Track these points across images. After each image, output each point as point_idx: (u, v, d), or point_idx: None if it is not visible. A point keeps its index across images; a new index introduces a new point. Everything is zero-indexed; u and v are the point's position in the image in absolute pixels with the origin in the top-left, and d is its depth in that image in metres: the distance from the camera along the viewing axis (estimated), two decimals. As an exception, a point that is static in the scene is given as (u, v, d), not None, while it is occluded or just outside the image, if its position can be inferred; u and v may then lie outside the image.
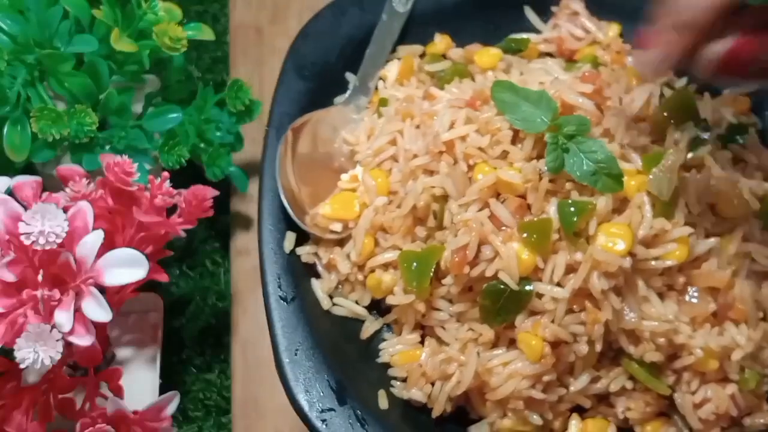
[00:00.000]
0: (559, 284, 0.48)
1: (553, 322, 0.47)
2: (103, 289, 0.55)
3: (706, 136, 0.50)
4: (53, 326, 0.52)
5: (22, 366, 0.52)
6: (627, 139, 0.49)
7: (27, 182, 0.58)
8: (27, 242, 0.52)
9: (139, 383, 0.68)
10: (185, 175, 0.74)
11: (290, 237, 0.53)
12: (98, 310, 0.53)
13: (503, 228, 0.48)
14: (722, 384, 0.49)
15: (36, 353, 0.51)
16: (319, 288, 0.53)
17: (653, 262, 0.48)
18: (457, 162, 0.50)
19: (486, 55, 0.56)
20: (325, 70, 0.58)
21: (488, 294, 0.48)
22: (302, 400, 0.48)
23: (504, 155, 0.50)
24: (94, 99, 0.68)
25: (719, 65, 0.47)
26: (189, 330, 0.74)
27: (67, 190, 0.58)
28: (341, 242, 0.53)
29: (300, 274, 0.52)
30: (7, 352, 0.54)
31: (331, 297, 0.53)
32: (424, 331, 0.51)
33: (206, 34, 0.73)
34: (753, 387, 0.48)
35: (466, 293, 0.49)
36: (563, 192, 0.48)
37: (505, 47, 0.57)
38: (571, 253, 0.47)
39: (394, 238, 0.51)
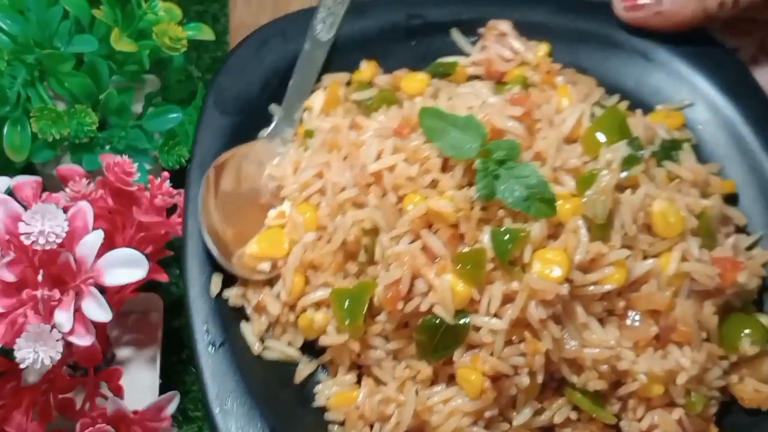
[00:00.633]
0: (496, 315, 0.45)
1: (492, 355, 0.46)
2: (103, 289, 0.55)
3: (639, 154, 0.48)
4: (53, 326, 0.52)
5: (22, 366, 0.52)
6: (559, 161, 0.47)
7: (27, 182, 0.58)
8: (27, 242, 0.52)
9: (139, 383, 0.68)
10: (185, 175, 0.74)
11: (216, 279, 0.50)
12: (98, 310, 0.53)
13: (436, 260, 0.46)
14: (669, 409, 0.47)
15: (36, 353, 0.51)
16: (249, 331, 0.50)
17: (591, 288, 0.46)
18: (387, 193, 0.48)
19: (413, 81, 0.54)
20: (248, 104, 0.55)
21: (424, 329, 0.46)
22: None
23: (434, 184, 0.48)
24: (94, 99, 0.68)
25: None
26: (189, 330, 0.74)
27: (67, 190, 0.58)
28: (270, 282, 0.50)
29: (228, 317, 0.50)
30: (8, 352, 0.54)
31: (262, 340, 0.51)
32: (361, 370, 0.49)
33: (206, 34, 0.73)
34: (700, 410, 0.47)
35: (402, 329, 0.47)
36: (496, 220, 0.46)
37: (433, 71, 0.55)
38: (507, 283, 0.45)
39: (324, 275, 0.49)
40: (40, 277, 0.53)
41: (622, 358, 0.46)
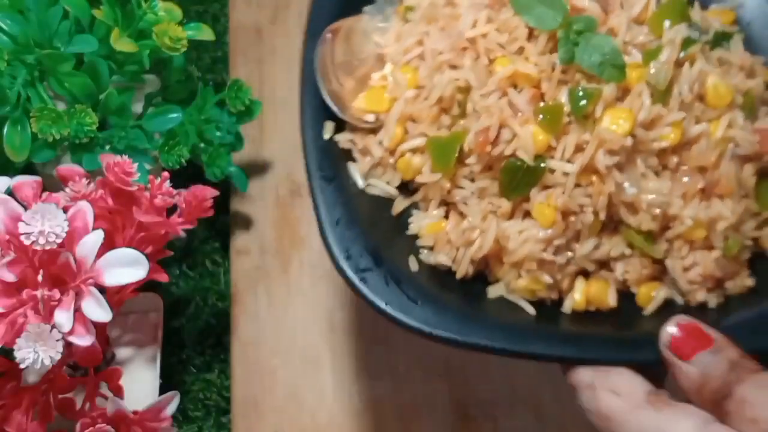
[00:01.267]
0: (569, 161, 0.53)
1: (563, 193, 0.53)
2: (103, 289, 0.55)
3: (696, 36, 0.56)
4: (53, 326, 0.52)
5: (22, 366, 0.52)
6: (629, 36, 0.55)
7: (27, 182, 0.58)
8: (27, 242, 0.52)
9: (139, 383, 0.68)
10: (185, 175, 0.74)
11: (329, 126, 0.58)
12: (98, 310, 0.53)
13: (520, 114, 0.54)
14: (708, 251, 0.55)
15: (36, 353, 0.51)
16: (355, 170, 0.58)
17: (652, 143, 0.54)
18: (479, 57, 0.55)
19: None
20: None
21: (507, 170, 0.54)
22: (343, 262, 0.54)
23: (521, 50, 0.55)
24: (94, 99, 0.68)
25: None
26: (189, 330, 0.74)
27: (67, 190, 0.58)
28: (374, 131, 0.58)
29: (338, 158, 0.58)
30: (7, 352, 0.54)
31: (365, 178, 0.59)
32: (448, 207, 0.57)
33: (206, 34, 0.73)
34: (735, 253, 0.55)
35: (487, 171, 0.55)
36: (574, 81, 0.54)
37: None
38: (580, 134, 0.53)
39: (421, 126, 0.56)
40: (40, 277, 0.53)
41: (672, 205, 0.54)
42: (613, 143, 0.53)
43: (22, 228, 0.52)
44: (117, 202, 0.59)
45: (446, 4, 0.59)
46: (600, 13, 0.55)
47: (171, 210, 0.61)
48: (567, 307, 0.56)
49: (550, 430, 0.70)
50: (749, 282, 0.56)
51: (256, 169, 0.76)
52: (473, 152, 0.54)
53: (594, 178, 0.54)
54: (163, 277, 0.60)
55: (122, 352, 0.69)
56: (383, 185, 0.59)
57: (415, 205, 0.59)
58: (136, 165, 0.59)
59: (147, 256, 0.56)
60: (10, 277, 0.53)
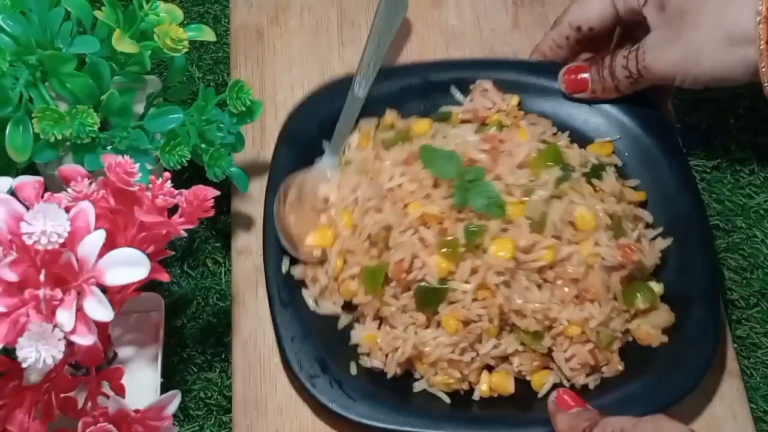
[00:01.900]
0: (466, 282, 0.67)
1: (464, 307, 0.67)
2: (104, 289, 0.55)
3: (569, 175, 0.70)
4: (55, 326, 0.52)
5: (24, 365, 0.52)
6: (512, 179, 0.69)
7: (29, 182, 0.58)
8: (29, 242, 0.52)
9: (141, 382, 0.68)
10: (186, 176, 0.75)
11: (286, 261, 0.72)
12: (100, 310, 0.54)
13: (428, 245, 0.68)
14: (584, 344, 0.68)
15: (38, 352, 0.52)
16: (308, 295, 0.72)
17: (531, 263, 0.68)
18: (397, 202, 0.70)
19: (420, 125, 0.76)
20: (308, 141, 0.77)
21: (419, 291, 0.68)
22: (297, 371, 0.68)
23: (428, 196, 0.70)
24: (95, 100, 0.68)
25: (566, 85, 0.78)
26: (190, 329, 0.74)
27: (69, 190, 0.58)
28: (321, 263, 0.72)
29: (294, 286, 0.72)
30: (9, 352, 0.54)
31: (316, 301, 0.72)
32: (380, 320, 0.71)
33: (207, 35, 0.73)
34: (606, 345, 0.69)
35: (406, 292, 0.69)
36: (468, 219, 0.68)
37: (436, 117, 0.78)
38: (474, 260, 0.67)
39: (357, 257, 0.70)
40: (42, 277, 0.54)
41: (552, 310, 0.67)
42: (500, 266, 0.67)
43: (24, 228, 0.52)
44: (118, 202, 0.59)
45: (375, 158, 0.74)
46: (489, 163, 0.70)
47: (172, 210, 0.61)
48: (476, 395, 0.69)
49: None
50: (620, 367, 0.69)
51: (257, 169, 0.77)
52: (394, 278, 0.68)
53: (487, 293, 0.67)
54: (164, 277, 0.60)
55: (124, 352, 0.70)
56: (330, 306, 0.72)
57: (356, 320, 0.71)
58: (137, 165, 0.59)
59: (148, 255, 0.56)
60: (12, 276, 0.53)
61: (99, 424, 0.57)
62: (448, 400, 0.69)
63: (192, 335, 0.74)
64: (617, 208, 0.70)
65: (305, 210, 0.73)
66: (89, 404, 0.60)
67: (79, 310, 0.53)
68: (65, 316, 0.53)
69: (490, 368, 0.69)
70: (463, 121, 0.78)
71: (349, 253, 0.71)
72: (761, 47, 0.68)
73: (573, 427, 0.62)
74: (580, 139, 0.76)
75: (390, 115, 0.78)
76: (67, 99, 0.69)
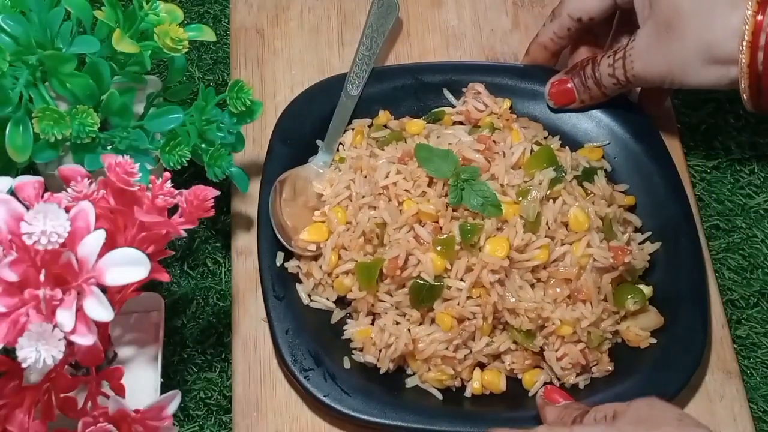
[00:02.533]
0: (461, 279, 0.68)
1: (458, 305, 0.68)
2: (104, 289, 0.55)
3: (562, 176, 0.71)
4: (55, 326, 0.52)
5: (24, 365, 0.52)
6: (506, 180, 0.71)
7: (29, 182, 0.58)
8: (29, 242, 0.52)
9: (141, 382, 0.68)
10: (186, 176, 0.75)
11: (280, 255, 0.73)
12: (100, 310, 0.54)
13: (423, 243, 0.69)
14: (576, 343, 0.69)
15: (38, 352, 0.52)
16: (302, 289, 0.73)
17: (524, 262, 0.69)
18: (391, 200, 0.71)
19: (414, 125, 0.77)
20: (301, 139, 0.77)
21: (414, 288, 0.69)
22: (290, 363, 0.69)
23: (423, 194, 0.70)
24: (95, 100, 0.68)
25: (554, 100, 0.80)
26: (190, 329, 0.74)
27: (69, 190, 0.58)
28: (316, 257, 0.73)
29: (288, 280, 0.72)
30: (9, 352, 0.54)
31: (309, 296, 0.73)
32: (374, 316, 0.71)
33: (207, 35, 0.73)
34: (596, 345, 0.70)
35: (400, 288, 0.70)
36: (463, 217, 0.69)
37: (428, 118, 0.79)
38: (469, 258, 0.68)
39: (351, 253, 0.71)
40: (42, 277, 0.54)
41: (545, 309, 0.68)
42: (494, 264, 0.68)
43: (24, 228, 0.52)
44: (118, 202, 0.59)
45: (370, 155, 0.74)
46: (484, 163, 0.71)
47: (172, 210, 0.61)
48: (468, 392, 0.70)
49: None
50: (610, 367, 0.71)
51: (257, 169, 0.77)
52: (388, 275, 0.69)
53: (481, 291, 0.68)
54: (164, 277, 0.60)
55: (124, 352, 0.70)
56: (324, 301, 0.72)
57: (349, 315, 0.72)
58: (137, 165, 0.59)
59: (148, 255, 0.56)
60: (12, 276, 0.53)
61: (99, 424, 0.57)
62: (440, 396, 0.69)
63: (192, 335, 0.74)
64: (608, 211, 0.72)
65: (299, 206, 0.74)
66: (89, 404, 0.60)
67: (79, 310, 0.54)
68: (65, 316, 0.53)
69: (482, 366, 0.70)
70: (456, 123, 0.79)
71: (344, 248, 0.71)
72: (743, 70, 0.70)
73: (563, 417, 0.62)
74: (570, 143, 0.77)
75: (383, 115, 0.79)
76: (67, 99, 0.69)
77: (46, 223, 0.52)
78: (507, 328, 0.69)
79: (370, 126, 0.79)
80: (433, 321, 0.69)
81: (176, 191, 0.60)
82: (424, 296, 0.68)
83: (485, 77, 0.81)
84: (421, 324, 0.69)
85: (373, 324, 0.71)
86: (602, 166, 0.77)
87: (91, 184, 0.59)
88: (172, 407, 0.61)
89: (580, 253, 0.69)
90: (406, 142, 0.75)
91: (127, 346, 0.70)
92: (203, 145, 0.71)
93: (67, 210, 0.55)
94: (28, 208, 0.54)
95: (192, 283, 0.76)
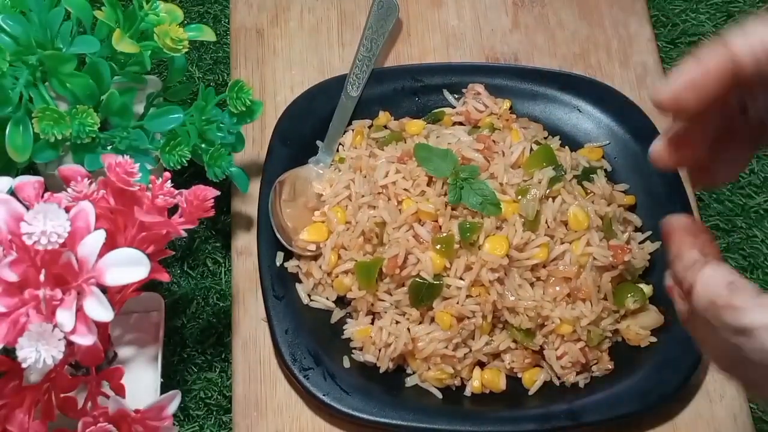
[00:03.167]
0: (461, 278, 0.68)
1: (458, 303, 0.68)
2: (104, 289, 0.55)
3: (561, 175, 0.71)
4: (55, 326, 0.52)
5: (24, 365, 0.52)
6: (506, 179, 0.71)
7: (29, 182, 0.58)
8: (29, 242, 0.52)
9: (141, 382, 0.68)
10: (186, 176, 0.75)
11: (280, 255, 0.73)
12: (100, 310, 0.54)
13: (422, 242, 0.69)
14: (575, 342, 0.69)
15: (38, 352, 0.52)
16: (301, 289, 0.73)
17: (525, 261, 0.69)
18: (391, 199, 0.71)
19: (413, 125, 0.78)
20: (301, 140, 0.78)
21: (413, 287, 0.69)
22: (290, 363, 0.69)
23: (422, 193, 0.70)
24: (95, 100, 0.68)
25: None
26: (190, 329, 0.74)
27: (69, 190, 0.58)
28: (315, 257, 0.73)
29: (287, 280, 0.73)
30: (9, 352, 0.54)
31: (309, 296, 0.73)
32: (373, 315, 0.71)
33: (207, 35, 0.73)
34: (596, 344, 0.70)
35: (400, 287, 0.70)
36: (462, 216, 0.69)
37: (428, 119, 0.80)
38: (468, 257, 0.68)
39: (351, 253, 0.71)
40: (42, 277, 0.54)
41: (544, 308, 0.68)
42: (494, 263, 0.68)
43: (24, 228, 0.52)
44: (119, 202, 0.59)
45: (369, 155, 0.75)
46: (484, 162, 0.71)
47: (172, 210, 0.61)
48: (468, 391, 0.70)
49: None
50: (610, 366, 0.71)
51: (257, 169, 0.77)
52: (388, 274, 0.69)
53: (481, 289, 0.68)
54: (164, 277, 0.60)
55: (124, 352, 0.70)
56: (323, 300, 0.73)
57: (348, 315, 0.72)
58: (137, 165, 0.59)
59: (148, 255, 0.56)
60: (12, 276, 0.53)
61: (99, 424, 0.57)
62: (440, 395, 0.70)
63: (192, 335, 0.74)
64: (608, 210, 0.72)
65: (299, 206, 0.74)
66: (89, 404, 0.60)
67: (79, 310, 0.54)
68: (65, 316, 0.53)
69: (482, 365, 0.71)
70: (456, 123, 0.79)
71: (344, 248, 0.71)
72: None
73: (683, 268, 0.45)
74: (570, 143, 0.78)
75: (383, 116, 0.80)
76: (67, 99, 0.69)
77: (46, 223, 0.52)
78: (507, 327, 0.70)
79: (370, 127, 0.79)
80: (432, 320, 0.69)
81: (176, 191, 0.60)
82: (424, 295, 0.68)
83: (485, 78, 0.81)
84: (420, 323, 0.69)
85: (372, 323, 0.71)
86: (602, 165, 0.77)
87: (91, 184, 0.59)
88: (172, 407, 0.61)
89: (579, 252, 0.69)
90: (405, 143, 0.75)
91: (127, 346, 0.70)
92: (203, 145, 0.71)
93: (67, 210, 0.55)
94: (28, 208, 0.54)
95: (192, 283, 0.76)
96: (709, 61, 0.44)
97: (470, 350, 0.69)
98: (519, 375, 0.71)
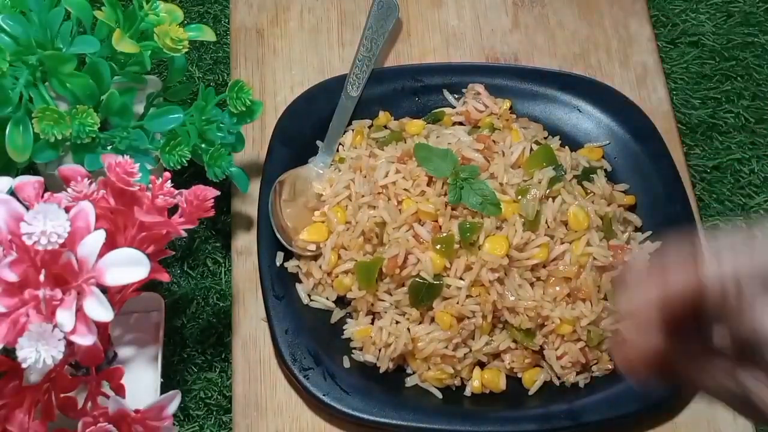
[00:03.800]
0: (461, 278, 0.68)
1: (458, 303, 0.68)
2: (104, 289, 0.55)
3: (561, 175, 0.71)
4: (55, 326, 0.52)
5: (24, 365, 0.52)
6: (506, 179, 0.71)
7: (29, 182, 0.58)
8: (29, 242, 0.52)
9: (141, 382, 0.68)
10: (186, 176, 0.75)
11: (280, 255, 0.73)
12: (100, 310, 0.54)
13: (422, 242, 0.69)
14: (575, 342, 0.69)
15: (38, 353, 0.52)
16: (301, 289, 0.73)
17: (525, 261, 0.69)
18: (391, 199, 0.71)
19: (413, 125, 0.77)
20: (301, 140, 0.77)
21: (413, 287, 0.69)
22: (290, 363, 0.69)
23: (422, 193, 0.70)
24: (95, 100, 0.68)
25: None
26: (190, 329, 0.74)
27: (69, 190, 0.58)
28: (315, 257, 0.73)
29: (287, 280, 0.73)
30: (9, 352, 0.54)
31: (309, 295, 0.73)
32: (373, 315, 0.71)
33: (207, 35, 0.73)
34: (596, 344, 0.70)
35: (400, 287, 0.70)
36: (462, 216, 0.69)
37: (428, 119, 0.80)
38: (468, 257, 0.68)
39: (351, 253, 0.71)
40: (42, 277, 0.54)
41: (544, 308, 0.68)
42: (494, 263, 0.68)
43: (24, 228, 0.52)
44: (119, 202, 0.59)
45: (369, 155, 0.75)
46: (484, 162, 0.71)
47: (172, 210, 0.61)
48: (468, 391, 0.70)
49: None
50: (610, 365, 0.70)
51: (257, 169, 0.77)
52: (388, 274, 0.69)
53: (481, 289, 0.68)
54: (164, 277, 0.60)
55: (124, 352, 0.70)
56: (323, 300, 0.72)
57: (348, 315, 0.72)
58: (137, 165, 0.59)
59: (148, 255, 0.56)
60: (12, 276, 0.53)
61: (99, 424, 0.57)
62: (439, 395, 0.70)
63: (192, 335, 0.74)
64: (608, 210, 0.72)
65: (299, 206, 0.74)
66: (89, 404, 0.60)
67: (79, 310, 0.54)
68: (65, 316, 0.53)
69: (482, 365, 0.71)
70: (456, 123, 0.79)
71: (344, 248, 0.71)
72: None
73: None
74: (570, 143, 0.78)
75: (383, 116, 0.80)
76: (67, 99, 0.69)
77: (46, 223, 0.52)
78: (506, 327, 0.70)
79: (370, 127, 0.79)
80: (432, 320, 0.69)
81: (176, 191, 0.60)
82: (424, 295, 0.68)
83: (485, 78, 0.81)
84: (420, 323, 0.70)
85: (372, 323, 0.71)
86: (602, 165, 0.77)
87: (91, 184, 0.59)
88: (172, 407, 0.61)
89: (579, 252, 0.70)
90: (405, 143, 0.75)
91: (127, 346, 0.70)
92: (203, 145, 0.71)
93: (67, 210, 0.55)
94: (28, 208, 0.54)
95: (192, 283, 0.76)
96: (674, 284, 0.42)
97: (470, 350, 0.69)
98: (519, 375, 0.71)
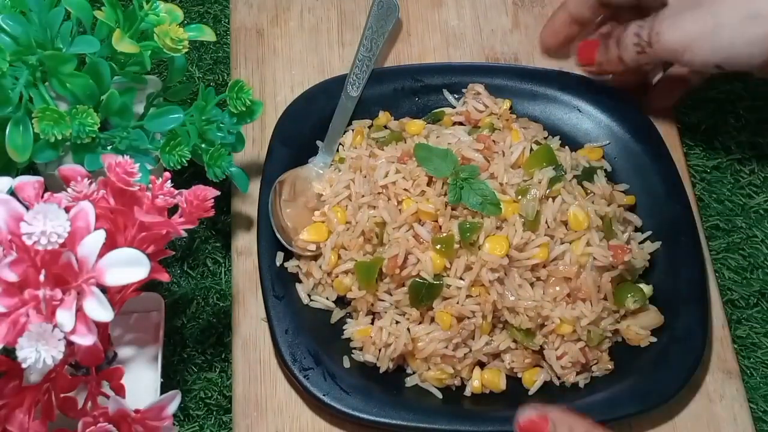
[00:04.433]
0: (461, 278, 0.68)
1: (458, 303, 0.68)
2: (104, 289, 0.55)
3: (561, 175, 0.71)
4: (55, 326, 0.52)
5: (24, 365, 0.52)
6: (506, 179, 0.71)
7: (29, 182, 0.58)
8: (29, 242, 0.52)
9: (141, 382, 0.68)
10: (186, 176, 0.75)
11: (280, 255, 0.73)
12: (100, 310, 0.54)
13: (422, 242, 0.69)
14: (575, 342, 0.70)
15: (38, 353, 0.52)
16: (301, 289, 0.73)
17: (525, 261, 0.69)
18: (391, 199, 0.71)
19: (413, 125, 0.78)
20: (301, 140, 0.77)
21: (413, 287, 0.69)
22: (290, 363, 0.69)
23: (422, 193, 0.71)
24: (95, 100, 0.68)
25: (577, 57, 0.82)
26: (190, 329, 0.74)
27: (69, 190, 0.58)
28: (315, 257, 0.73)
29: (287, 280, 0.73)
30: (9, 352, 0.54)
31: (309, 296, 0.73)
32: (373, 315, 0.72)
33: (207, 35, 0.73)
34: (596, 344, 0.70)
35: (400, 287, 0.70)
36: (462, 216, 0.69)
37: (428, 119, 0.80)
38: (468, 257, 0.68)
39: (351, 253, 0.71)
40: (42, 277, 0.54)
41: (544, 308, 0.69)
42: (494, 263, 0.68)
43: (24, 228, 0.52)
44: (118, 202, 0.59)
45: (369, 155, 0.75)
46: (484, 162, 0.71)
47: (172, 210, 0.61)
48: (468, 391, 0.70)
49: None
50: (610, 365, 0.71)
51: (257, 169, 0.77)
52: (388, 274, 0.69)
53: (481, 289, 0.69)
54: (164, 277, 0.60)
55: (124, 352, 0.70)
56: (323, 300, 0.73)
57: (348, 315, 0.72)
58: (137, 165, 0.59)
59: (148, 255, 0.56)
60: (12, 276, 0.53)
61: (99, 424, 0.57)
62: (440, 395, 0.70)
63: (192, 335, 0.74)
64: (608, 210, 0.72)
65: (299, 206, 0.74)
66: (89, 404, 0.60)
67: (79, 310, 0.54)
68: (65, 317, 0.53)
69: (482, 365, 0.71)
70: (456, 123, 0.79)
71: (344, 248, 0.72)
72: None
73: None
74: (570, 143, 0.78)
75: (383, 116, 0.80)
76: (67, 99, 0.69)
77: (46, 223, 0.52)
78: (507, 327, 0.70)
79: (370, 127, 0.79)
80: (432, 320, 0.69)
81: (176, 191, 0.60)
82: (424, 295, 0.68)
83: (485, 78, 0.81)
84: (420, 323, 0.70)
85: (372, 323, 0.71)
86: (602, 166, 0.77)
87: (91, 184, 0.59)
88: (172, 407, 0.61)
89: (579, 252, 0.70)
90: (405, 143, 0.75)
91: (127, 346, 0.70)
92: (203, 145, 0.71)
93: (67, 210, 0.55)
94: (28, 208, 0.54)
95: (192, 283, 0.76)
96: None
97: (470, 350, 0.69)
98: (519, 375, 0.71)
